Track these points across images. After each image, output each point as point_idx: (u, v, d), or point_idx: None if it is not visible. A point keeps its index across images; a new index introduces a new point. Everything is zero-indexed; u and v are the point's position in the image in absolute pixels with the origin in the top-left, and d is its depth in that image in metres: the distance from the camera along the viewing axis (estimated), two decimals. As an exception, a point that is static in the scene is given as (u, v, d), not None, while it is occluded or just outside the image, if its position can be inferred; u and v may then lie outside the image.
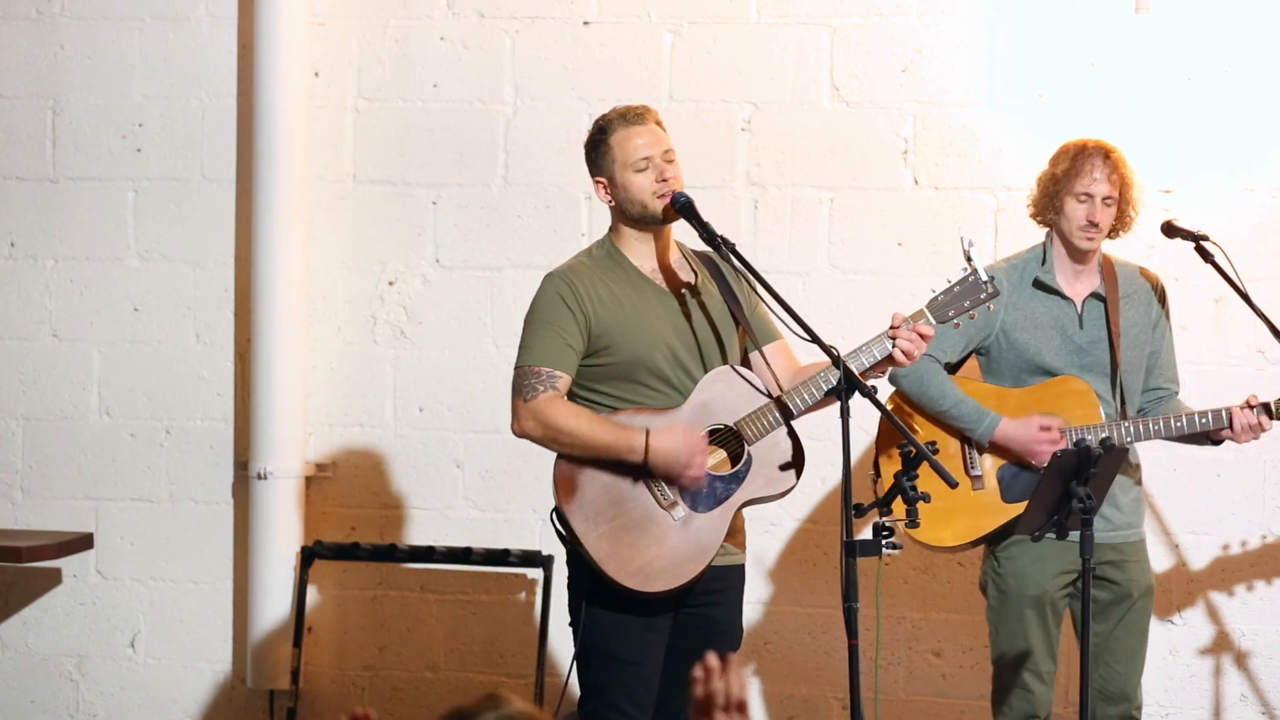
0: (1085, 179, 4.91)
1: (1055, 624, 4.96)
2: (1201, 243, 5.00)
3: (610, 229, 4.50)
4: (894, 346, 4.33)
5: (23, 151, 6.13)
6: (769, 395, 4.40)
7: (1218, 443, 4.97)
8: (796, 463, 4.43)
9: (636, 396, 4.36)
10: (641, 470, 4.30)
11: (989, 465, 4.91)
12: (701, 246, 4.52)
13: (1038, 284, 4.97)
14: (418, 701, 6.05)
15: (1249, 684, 5.74)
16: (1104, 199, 4.91)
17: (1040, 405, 4.91)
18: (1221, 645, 5.75)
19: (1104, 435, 4.80)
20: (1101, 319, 4.96)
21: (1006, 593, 4.93)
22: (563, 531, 4.36)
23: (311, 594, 6.00)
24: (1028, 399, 4.93)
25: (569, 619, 4.44)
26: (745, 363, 4.51)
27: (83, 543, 6.06)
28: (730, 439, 4.37)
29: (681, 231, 4.49)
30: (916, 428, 4.95)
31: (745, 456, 4.36)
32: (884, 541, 4.12)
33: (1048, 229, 5.02)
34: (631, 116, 4.41)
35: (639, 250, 4.45)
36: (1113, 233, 5.00)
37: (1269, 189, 5.69)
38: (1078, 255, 4.98)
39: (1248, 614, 5.74)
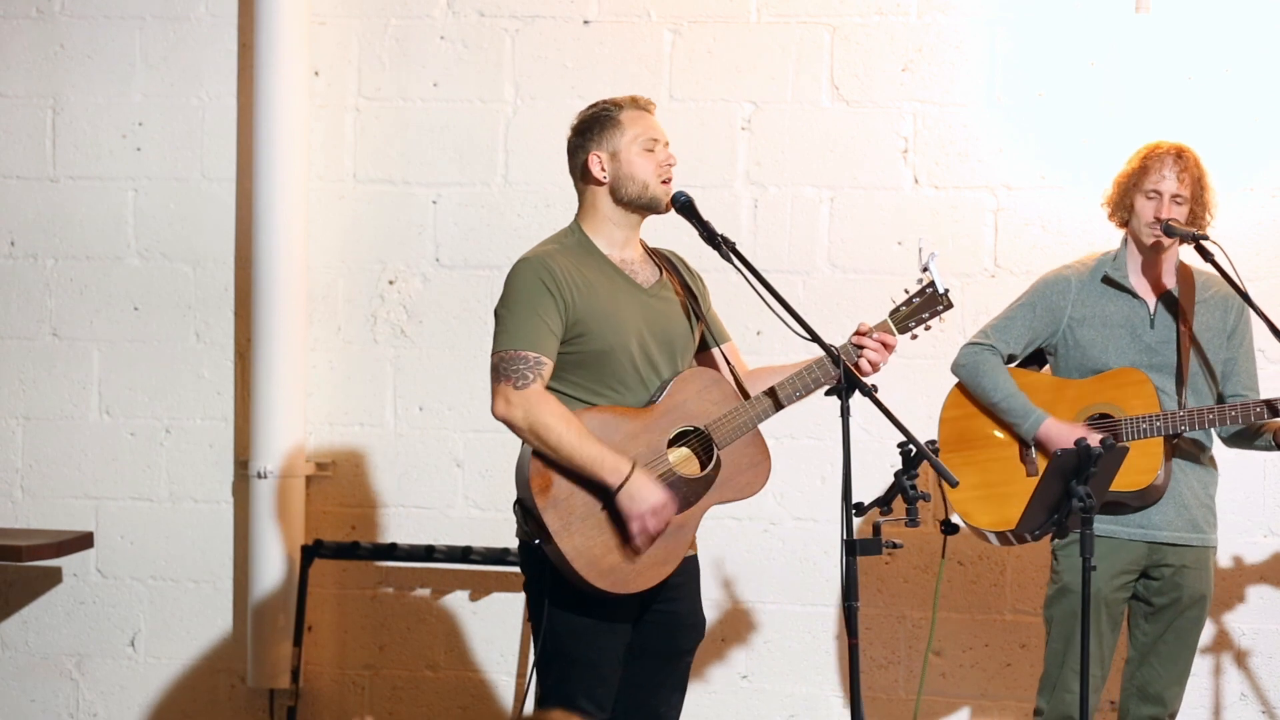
0: (1154, 176, 4.94)
1: (1110, 627, 4.93)
2: (1201, 242, 5.00)
3: (581, 215, 4.45)
4: (859, 356, 4.35)
5: (23, 151, 6.14)
6: (745, 395, 4.40)
7: None
8: (764, 466, 4.42)
9: (604, 388, 4.33)
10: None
11: (1044, 455, 4.93)
12: (668, 245, 4.53)
13: (1107, 280, 4.98)
14: (418, 701, 6.05)
15: (1249, 683, 5.75)
16: (1173, 196, 4.93)
17: (1099, 395, 4.93)
18: (1221, 644, 5.75)
19: (1162, 427, 4.81)
20: (1173, 319, 4.97)
21: (1063, 590, 4.93)
22: (526, 526, 4.32)
23: (311, 593, 6.00)
24: (1086, 390, 4.95)
25: (529, 618, 4.41)
26: (702, 360, 4.51)
27: (83, 542, 6.07)
28: (701, 441, 4.36)
29: (684, 230, 4.49)
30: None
31: (715, 460, 4.35)
32: (885, 541, 4.13)
33: (1124, 230, 5.04)
34: (643, 102, 4.45)
35: (613, 238, 4.42)
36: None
37: (1269, 189, 5.70)
38: (1149, 254, 4.99)
39: (1248, 613, 5.74)
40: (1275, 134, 5.67)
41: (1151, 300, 5.00)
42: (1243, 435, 5.04)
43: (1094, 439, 4.81)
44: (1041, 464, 4.93)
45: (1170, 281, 5.02)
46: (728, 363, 4.50)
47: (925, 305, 4.43)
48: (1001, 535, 4.92)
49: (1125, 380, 4.93)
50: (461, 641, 6.04)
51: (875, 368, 4.37)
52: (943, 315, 4.47)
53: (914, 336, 4.47)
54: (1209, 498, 5.02)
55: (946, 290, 4.43)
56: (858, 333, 4.38)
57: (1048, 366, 5.12)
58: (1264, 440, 5.00)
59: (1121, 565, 4.89)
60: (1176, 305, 4.98)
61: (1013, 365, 5.06)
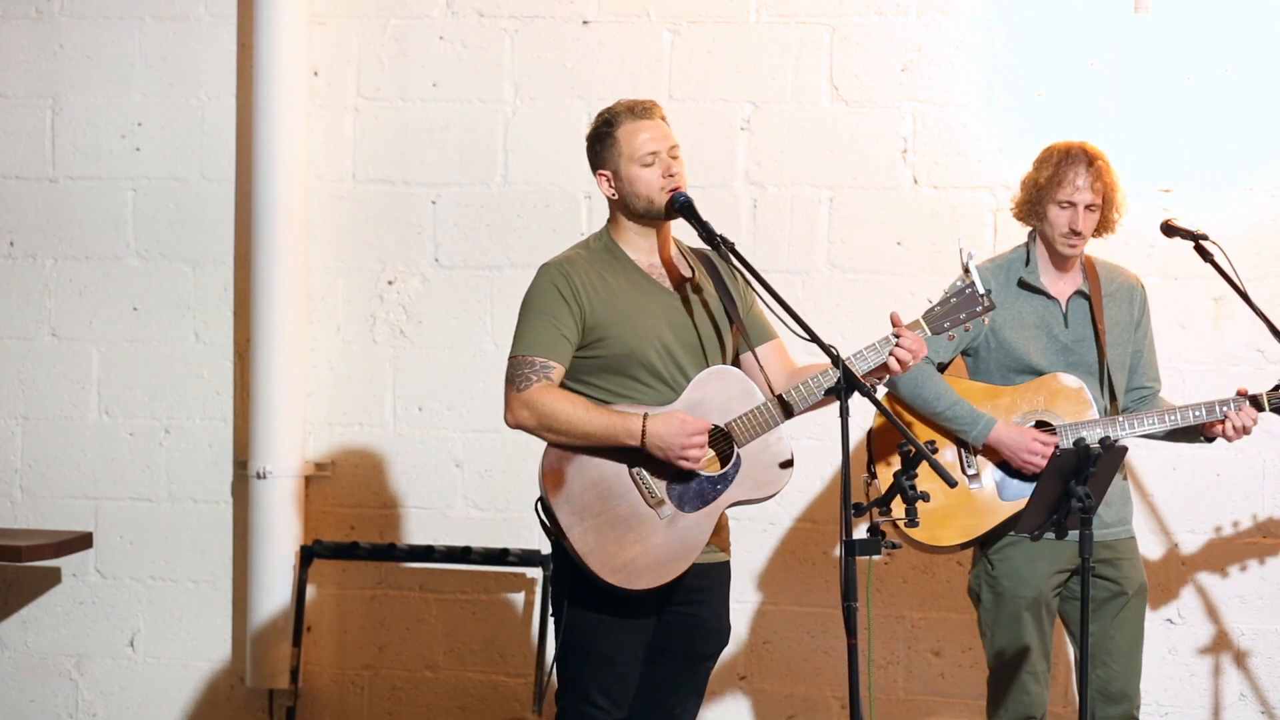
0: (1068, 187, 4.89)
1: (1049, 624, 4.96)
2: (1201, 242, 5.00)
3: (609, 222, 4.48)
4: (889, 354, 4.32)
5: (22, 151, 6.14)
6: (765, 395, 4.39)
7: (1210, 439, 4.95)
8: (785, 466, 4.42)
9: (628, 391, 4.35)
10: (632, 463, 4.29)
11: (985, 464, 4.91)
12: (701, 244, 4.52)
13: (1023, 284, 4.97)
14: (417, 701, 6.05)
15: (1248, 683, 5.75)
16: (1087, 206, 4.91)
17: (1033, 403, 4.91)
18: (1221, 645, 5.75)
19: (1100, 433, 4.81)
20: (1086, 317, 4.97)
21: (1002, 595, 4.92)
22: (547, 523, 4.35)
23: (311, 593, 6.00)
24: (1019, 397, 4.93)
25: (551, 612, 4.44)
26: (736, 363, 4.51)
27: (82, 542, 6.07)
28: (720, 439, 4.36)
29: (681, 229, 4.49)
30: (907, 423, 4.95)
31: (735, 458, 4.35)
32: (884, 541, 4.12)
33: (1031, 229, 5.02)
34: (639, 110, 4.40)
35: (637, 245, 4.44)
36: (1096, 234, 5.00)
37: (1269, 189, 5.70)
38: (1060, 259, 4.98)
39: (1247, 613, 5.74)
40: (1275, 134, 5.67)
41: (1063, 299, 4.99)
42: (1174, 433, 5.00)
43: (1049, 445, 4.81)
44: (985, 470, 4.90)
45: (1079, 278, 5.01)
46: (759, 365, 4.47)
47: (963, 305, 4.39)
48: (934, 549, 4.91)
49: (1058, 386, 4.92)
50: (461, 642, 6.04)
51: (905, 367, 4.34)
52: (985, 317, 4.43)
53: (951, 337, 4.45)
54: (1126, 489, 5.03)
55: (988, 291, 4.39)
56: (894, 328, 4.34)
57: (959, 362, 5.08)
58: (1200, 439, 4.98)
59: (1055, 565, 4.89)
60: (1087, 303, 4.97)
61: (943, 375, 5.03)
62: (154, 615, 6.13)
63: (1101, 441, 4.40)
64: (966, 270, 4.36)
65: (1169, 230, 5.08)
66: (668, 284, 4.43)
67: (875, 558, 4.84)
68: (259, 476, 5.93)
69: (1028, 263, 4.99)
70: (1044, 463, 4.76)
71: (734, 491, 4.36)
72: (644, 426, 4.25)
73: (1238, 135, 5.68)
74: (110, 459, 6.12)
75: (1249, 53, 5.67)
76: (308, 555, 5.94)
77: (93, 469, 6.13)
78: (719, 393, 4.37)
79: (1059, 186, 4.90)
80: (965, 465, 4.92)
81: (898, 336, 4.32)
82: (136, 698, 6.15)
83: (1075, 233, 4.90)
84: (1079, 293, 4.98)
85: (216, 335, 6.09)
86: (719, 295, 4.47)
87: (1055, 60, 5.74)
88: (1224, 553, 5.74)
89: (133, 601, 6.14)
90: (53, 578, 6.16)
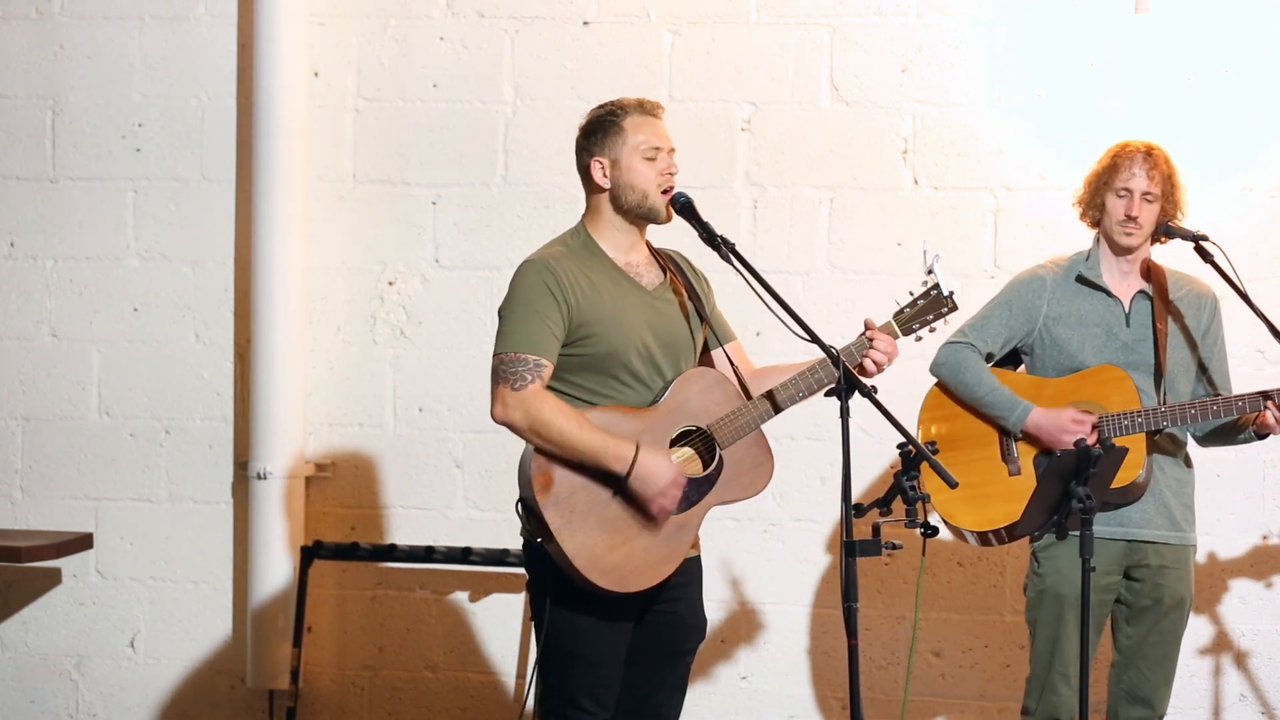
0: (1124, 174, 4.94)
1: (1094, 628, 4.92)
2: (1201, 242, 5.00)
3: (587, 218, 4.44)
4: (863, 357, 4.35)
5: (23, 151, 6.14)
6: (748, 395, 4.40)
7: (1263, 436, 4.94)
8: (767, 466, 4.42)
9: (607, 390, 4.34)
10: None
11: (1026, 452, 4.92)
12: (668, 245, 4.52)
13: (1081, 279, 4.98)
14: (417, 701, 6.05)
15: (1249, 684, 5.75)
16: (1144, 194, 4.93)
17: (1077, 394, 4.92)
18: (1221, 645, 5.75)
19: (1142, 424, 4.81)
20: (1148, 318, 4.97)
21: (1045, 593, 4.93)
22: (528, 524, 4.32)
23: (311, 594, 6.00)
24: (1065, 388, 4.94)
25: (531, 617, 4.41)
26: (704, 362, 4.51)
27: (82, 542, 6.07)
28: (703, 441, 4.36)
29: (684, 231, 4.48)
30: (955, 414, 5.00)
31: (717, 460, 4.35)
32: (884, 542, 4.12)
33: (1096, 230, 5.04)
34: (649, 106, 4.41)
35: (617, 242, 4.42)
36: (1158, 240, 5.01)
37: (1269, 189, 5.70)
38: (1121, 252, 4.99)
39: (1247, 614, 5.74)
40: (1275, 134, 5.67)
41: (1125, 299, 5.00)
42: (1221, 432, 5.03)
43: (1084, 424, 4.82)
44: (1025, 460, 4.92)
45: (1143, 280, 5.02)
46: (731, 363, 4.49)
47: (929, 308, 4.44)
48: (981, 536, 4.91)
49: (1105, 377, 4.93)
50: (461, 642, 6.04)
51: (880, 368, 4.37)
52: (947, 318, 4.47)
53: (918, 339, 4.48)
54: (1188, 496, 5.02)
55: (951, 293, 4.44)
56: (867, 330, 4.38)
57: (1023, 367, 5.11)
58: (1245, 434, 4.99)
59: (1103, 565, 4.88)
60: (1150, 304, 4.98)
61: (990, 365, 5.06)
62: (154, 615, 6.13)
63: (1102, 443, 4.40)
64: (930, 271, 4.41)
65: (1169, 231, 5.08)
66: (644, 283, 4.43)
67: (881, 559, 4.86)
68: (259, 477, 5.93)
69: (1088, 259, 5.02)
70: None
71: (718, 493, 4.37)
72: (635, 458, 4.24)
73: (1238, 135, 5.68)
74: (110, 459, 6.12)
75: (1249, 53, 5.68)
76: (308, 556, 5.94)
77: (93, 469, 6.13)
78: (702, 395, 4.37)
79: (1115, 174, 4.96)
80: (1007, 454, 4.94)
81: (870, 340, 4.35)
82: (136, 698, 6.15)
83: (1131, 218, 4.92)
84: (1142, 293, 4.99)
85: (216, 335, 6.09)
86: (687, 294, 4.47)
87: (1055, 60, 5.74)
88: (1224, 553, 5.73)
89: (133, 602, 6.14)
90: (53, 578, 6.16)
